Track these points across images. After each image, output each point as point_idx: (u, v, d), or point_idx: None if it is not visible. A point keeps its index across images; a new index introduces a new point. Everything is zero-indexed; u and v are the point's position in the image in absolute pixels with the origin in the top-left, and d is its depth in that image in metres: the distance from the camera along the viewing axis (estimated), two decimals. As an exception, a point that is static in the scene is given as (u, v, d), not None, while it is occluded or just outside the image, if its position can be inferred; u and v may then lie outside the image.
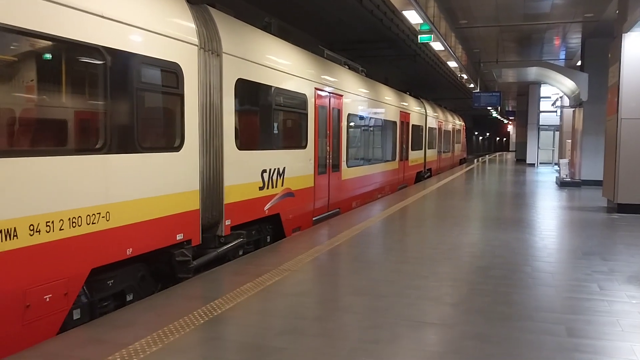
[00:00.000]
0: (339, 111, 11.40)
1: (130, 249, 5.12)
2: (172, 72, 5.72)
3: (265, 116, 8.02)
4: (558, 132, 27.51)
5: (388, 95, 15.97)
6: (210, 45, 6.49)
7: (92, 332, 3.96)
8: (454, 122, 30.46)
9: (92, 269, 4.69)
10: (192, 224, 6.11)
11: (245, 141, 7.32)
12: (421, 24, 13.31)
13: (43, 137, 4.33)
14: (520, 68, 20.28)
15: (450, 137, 28.84)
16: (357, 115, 12.72)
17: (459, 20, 16.63)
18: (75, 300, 4.62)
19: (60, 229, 4.29)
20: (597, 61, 16.50)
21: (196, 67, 6.13)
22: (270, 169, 8.08)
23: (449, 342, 3.80)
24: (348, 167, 12.05)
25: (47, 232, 4.17)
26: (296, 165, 9.12)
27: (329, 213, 10.88)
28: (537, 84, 28.88)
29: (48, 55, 4.30)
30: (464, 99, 41.16)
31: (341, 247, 7.06)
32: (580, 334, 4.01)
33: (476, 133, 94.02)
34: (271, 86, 8.09)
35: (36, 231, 4.07)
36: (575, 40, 19.31)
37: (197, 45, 6.15)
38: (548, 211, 11.04)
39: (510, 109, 51.53)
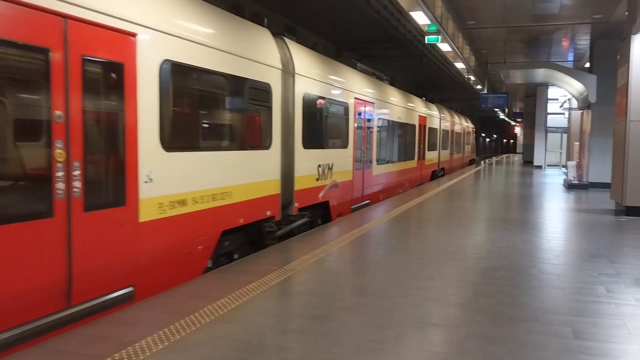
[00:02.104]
0: (371, 116, 13.25)
1: (242, 219, 7.04)
2: (265, 91, 7.63)
3: (321, 121, 9.92)
4: (566, 134, 27.36)
5: (408, 101, 17.58)
6: (287, 68, 8.46)
7: (97, 329, 3.97)
8: (465, 125, 30.90)
9: (222, 231, 6.53)
10: (275, 204, 8.04)
11: (308, 141, 9.18)
12: (429, 25, 13.30)
13: (198, 138, 6.16)
14: (528, 69, 20.16)
15: (461, 139, 29.62)
16: (384, 119, 14.59)
17: (466, 21, 16.59)
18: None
19: (207, 202, 6.20)
20: (606, 63, 16.31)
21: (279, 85, 8.04)
22: (323, 164, 9.98)
23: (453, 343, 3.79)
24: (377, 164, 13.82)
25: (201, 203, 6.08)
26: (340, 161, 10.95)
27: (363, 203, 12.55)
28: (545, 85, 28.71)
29: (212, 84, 6.45)
30: (470, 100, 40.98)
31: (346, 248, 7.05)
32: (587, 336, 3.98)
33: (483, 135, 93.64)
34: (325, 97, 10.04)
35: (196, 202, 5.98)
36: (584, 41, 19.19)
37: (280, 69, 8.06)
38: (555, 213, 10.99)
39: (518, 111, 51.24)
